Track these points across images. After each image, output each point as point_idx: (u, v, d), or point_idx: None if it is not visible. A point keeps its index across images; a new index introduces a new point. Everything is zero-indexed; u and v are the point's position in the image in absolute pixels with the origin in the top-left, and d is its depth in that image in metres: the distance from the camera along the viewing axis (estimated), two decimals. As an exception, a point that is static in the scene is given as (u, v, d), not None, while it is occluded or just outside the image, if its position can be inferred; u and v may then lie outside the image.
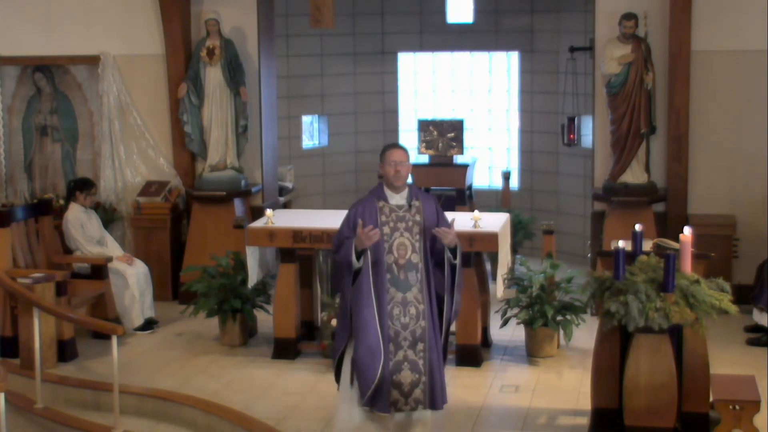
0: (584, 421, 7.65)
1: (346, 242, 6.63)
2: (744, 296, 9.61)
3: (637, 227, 7.41)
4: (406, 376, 6.65)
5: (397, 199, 6.76)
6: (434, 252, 6.77)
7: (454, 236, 6.67)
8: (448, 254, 6.72)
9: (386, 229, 6.68)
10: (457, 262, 6.74)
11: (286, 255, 9.25)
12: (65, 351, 9.25)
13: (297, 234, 9.04)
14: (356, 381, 6.66)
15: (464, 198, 11.99)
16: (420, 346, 6.67)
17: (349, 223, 6.72)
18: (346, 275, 6.65)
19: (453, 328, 8.96)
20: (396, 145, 6.90)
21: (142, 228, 11.17)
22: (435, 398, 6.72)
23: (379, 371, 6.58)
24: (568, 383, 8.57)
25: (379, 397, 6.63)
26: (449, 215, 7.04)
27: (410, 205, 6.76)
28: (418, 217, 6.73)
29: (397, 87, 13.96)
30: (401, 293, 6.67)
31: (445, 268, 6.75)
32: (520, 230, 11.69)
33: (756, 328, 9.49)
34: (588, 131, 12.11)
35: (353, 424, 6.77)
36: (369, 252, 6.60)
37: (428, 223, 6.72)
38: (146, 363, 9.25)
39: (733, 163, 10.54)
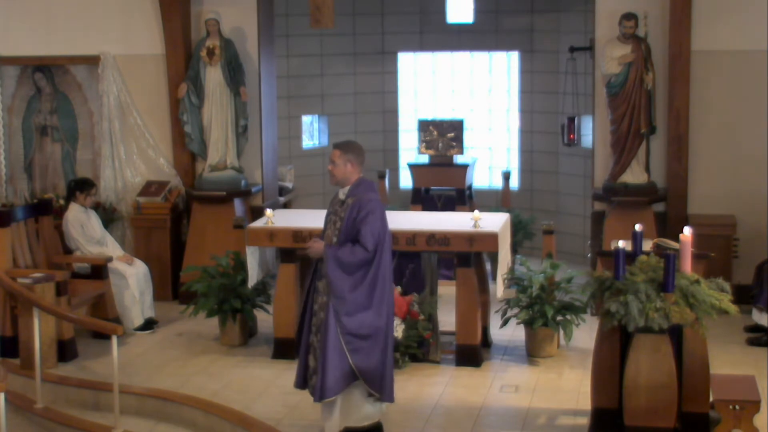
0: (584, 421, 7.66)
1: None
2: (744, 296, 9.62)
3: (637, 227, 7.41)
4: (311, 360, 7.14)
5: (341, 193, 7.21)
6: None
7: (314, 249, 7.08)
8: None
9: (326, 219, 7.27)
10: (325, 271, 7.02)
11: (286, 255, 9.25)
12: (65, 351, 9.25)
13: (297, 234, 9.04)
14: None
15: (464, 198, 11.98)
16: (319, 336, 7.08)
17: None
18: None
19: (453, 328, 9.05)
20: (335, 144, 7.30)
21: (142, 228, 11.17)
22: (315, 389, 7.04)
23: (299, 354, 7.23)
24: (568, 383, 8.57)
25: (297, 372, 7.28)
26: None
27: (343, 202, 7.15)
28: (343, 214, 7.10)
29: (397, 87, 13.96)
30: (318, 281, 7.15)
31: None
32: (520, 230, 11.70)
33: (756, 328, 9.50)
34: (588, 131, 12.11)
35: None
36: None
37: (347, 223, 7.04)
38: (146, 363, 9.25)
39: (733, 163, 10.55)
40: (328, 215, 7.25)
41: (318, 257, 7.08)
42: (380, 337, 7.00)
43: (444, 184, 12.02)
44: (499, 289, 9.09)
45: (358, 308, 6.95)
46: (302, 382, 7.27)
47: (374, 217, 6.97)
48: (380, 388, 7.03)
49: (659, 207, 10.61)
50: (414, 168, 12.15)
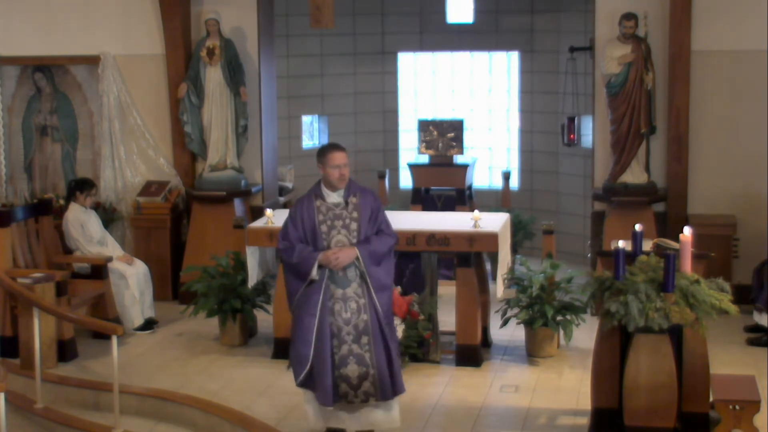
0: (584, 421, 7.66)
1: (306, 253, 6.86)
2: (744, 296, 9.62)
3: (637, 227, 7.41)
4: (353, 370, 6.88)
5: (334, 197, 6.97)
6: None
7: (344, 257, 6.84)
8: (355, 263, 6.92)
9: (324, 228, 6.91)
10: (364, 269, 6.90)
11: (286, 255, 9.24)
12: (65, 351, 9.25)
13: (297, 234, 9.03)
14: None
15: (464, 198, 11.98)
16: (365, 339, 6.89)
17: (294, 223, 6.97)
18: (299, 280, 6.91)
19: (453, 328, 9.05)
20: (337, 147, 7.04)
21: (142, 228, 11.17)
22: (384, 389, 6.92)
23: (302, 376, 6.97)
24: (568, 383, 8.57)
25: (320, 392, 6.91)
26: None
27: (347, 202, 6.95)
28: (355, 214, 6.93)
29: (397, 87, 13.96)
30: (341, 289, 6.90)
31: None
32: (520, 230, 11.70)
33: (756, 328, 9.49)
34: (588, 131, 12.11)
35: (311, 419, 7.16)
36: (326, 270, 6.87)
37: (364, 219, 6.92)
38: (146, 363, 9.25)
39: (733, 163, 10.54)
40: (320, 224, 6.90)
41: (346, 264, 6.87)
42: None
43: (444, 184, 12.02)
44: (499, 289, 9.09)
45: (391, 292, 7.09)
46: (337, 397, 6.97)
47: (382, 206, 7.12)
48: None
49: (659, 207, 10.61)
50: (414, 168, 12.15)
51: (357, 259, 6.88)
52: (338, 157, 6.92)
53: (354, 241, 6.89)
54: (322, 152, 7.00)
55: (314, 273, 6.86)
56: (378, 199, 7.12)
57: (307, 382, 7.05)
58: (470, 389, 8.44)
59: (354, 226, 6.92)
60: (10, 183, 11.76)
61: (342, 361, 6.90)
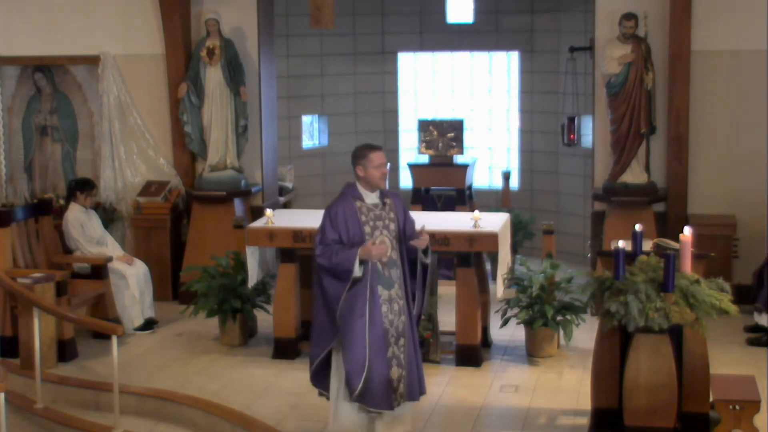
0: (584, 421, 7.66)
1: (346, 250, 6.64)
2: (744, 296, 9.62)
3: (637, 227, 7.41)
4: (394, 372, 6.79)
5: (372, 197, 6.87)
6: (408, 250, 6.93)
7: (426, 239, 6.81)
8: (420, 255, 6.85)
9: (368, 228, 6.78)
10: (428, 261, 6.91)
11: (286, 255, 9.25)
12: (65, 351, 9.25)
13: (297, 234, 9.04)
14: (347, 384, 6.75)
15: (464, 198, 11.99)
16: (402, 341, 6.83)
17: (333, 226, 6.75)
18: (341, 282, 6.67)
19: (453, 328, 9.06)
20: (376, 147, 6.93)
21: (142, 228, 11.17)
22: (413, 390, 6.86)
23: (362, 381, 6.66)
24: (568, 383, 8.57)
25: (375, 395, 6.69)
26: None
27: (384, 203, 6.88)
28: (392, 215, 6.88)
29: (397, 87, 13.95)
30: (387, 291, 6.78)
31: (418, 267, 6.90)
32: (520, 230, 11.69)
33: (756, 328, 9.49)
34: (588, 131, 12.11)
35: (354, 421, 6.84)
36: (369, 263, 6.69)
37: (400, 220, 6.88)
38: (146, 363, 9.25)
39: (733, 163, 10.54)
40: (364, 224, 6.75)
41: (385, 254, 6.72)
42: None
43: (444, 184, 12.03)
44: (499, 289, 9.09)
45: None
46: (390, 403, 6.77)
47: None
48: None
49: (659, 207, 10.61)
50: (414, 168, 12.15)
51: (425, 252, 6.83)
52: (380, 157, 6.80)
53: (395, 242, 6.81)
54: (362, 153, 6.81)
55: (356, 269, 6.61)
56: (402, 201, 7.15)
57: (364, 394, 6.72)
58: (470, 389, 8.44)
59: (393, 226, 6.83)
60: (10, 183, 11.76)
61: (389, 363, 6.78)
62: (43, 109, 11.69)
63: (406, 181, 13.15)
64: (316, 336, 6.84)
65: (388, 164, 6.88)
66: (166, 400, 8.26)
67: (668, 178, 10.64)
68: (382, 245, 6.69)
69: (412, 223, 7.00)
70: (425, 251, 6.88)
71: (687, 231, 7.06)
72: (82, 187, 10.25)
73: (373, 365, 6.68)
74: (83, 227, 10.16)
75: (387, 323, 6.75)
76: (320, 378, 6.97)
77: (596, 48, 10.79)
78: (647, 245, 7.52)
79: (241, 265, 9.62)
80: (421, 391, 6.95)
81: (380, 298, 6.74)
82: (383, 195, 6.90)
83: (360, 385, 6.67)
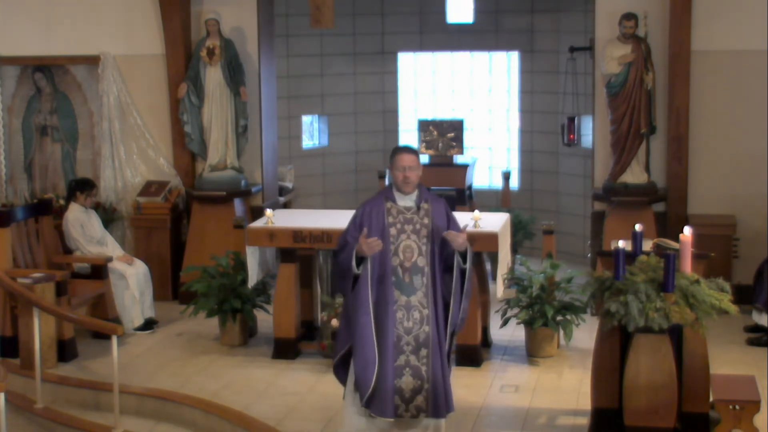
0: (584, 421, 7.66)
1: (348, 246, 6.53)
2: (744, 296, 9.61)
3: (637, 227, 7.41)
4: (407, 382, 6.53)
5: (406, 200, 6.66)
6: (444, 257, 6.64)
7: (465, 241, 6.54)
8: (457, 258, 6.59)
9: (393, 231, 6.58)
10: (467, 266, 6.61)
11: (286, 255, 9.25)
12: (65, 351, 9.25)
13: (297, 234, 9.04)
14: (356, 387, 6.60)
15: (464, 198, 11.98)
16: (423, 352, 6.54)
17: (356, 224, 6.63)
18: (345, 279, 6.58)
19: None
20: (406, 149, 6.73)
21: (142, 228, 11.17)
22: (438, 406, 6.57)
23: (373, 380, 6.49)
24: (568, 383, 8.57)
25: (378, 401, 6.52)
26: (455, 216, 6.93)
27: (419, 208, 6.65)
28: (426, 220, 6.63)
29: (397, 87, 13.96)
30: (405, 297, 6.56)
31: (454, 272, 6.61)
32: (520, 230, 11.69)
33: (756, 328, 9.50)
34: (588, 131, 12.11)
35: (358, 428, 6.69)
36: (370, 261, 6.51)
37: (437, 227, 6.62)
38: (146, 363, 9.25)
39: (733, 163, 10.55)
40: (389, 226, 6.57)
41: (375, 252, 6.48)
42: None
43: (444, 184, 12.01)
44: (499, 289, 9.09)
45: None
46: (390, 411, 6.52)
47: None
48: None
49: (659, 207, 10.61)
50: (414, 168, 12.13)
51: (463, 256, 6.56)
52: (405, 159, 6.62)
53: (423, 248, 6.58)
54: (392, 153, 6.69)
55: (354, 266, 6.46)
56: (449, 208, 6.84)
57: (371, 398, 6.52)
58: (470, 389, 8.44)
59: (424, 232, 6.59)
60: (10, 183, 11.76)
61: (398, 372, 6.53)
62: (43, 109, 11.69)
63: (406, 181, 13.12)
64: (341, 330, 6.74)
65: (410, 167, 6.59)
66: (166, 400, 8.26)
67: (668, 178, 10.64)
68: (372, 240, 6.45)
69: (457, 228, 6.68)
70: (463, 256, 6.61)
71: (687, 231, 7.05)
72: (82, 187, 10.25)
73: (380, 370, 6.51)
74: (83, 227, 10.16)
75: (402, 330, 6.54)
76: (340, 374, 6.79)
77: (596, 48, 10.79)
78: (647, 245, 7.52)
79: (241, 265, 9.62)
80: (448, 408, 6.62)
81: (395, 303, 6.54)
82: (421, 199, 6.68)
83: (369, 391, 6.50)
